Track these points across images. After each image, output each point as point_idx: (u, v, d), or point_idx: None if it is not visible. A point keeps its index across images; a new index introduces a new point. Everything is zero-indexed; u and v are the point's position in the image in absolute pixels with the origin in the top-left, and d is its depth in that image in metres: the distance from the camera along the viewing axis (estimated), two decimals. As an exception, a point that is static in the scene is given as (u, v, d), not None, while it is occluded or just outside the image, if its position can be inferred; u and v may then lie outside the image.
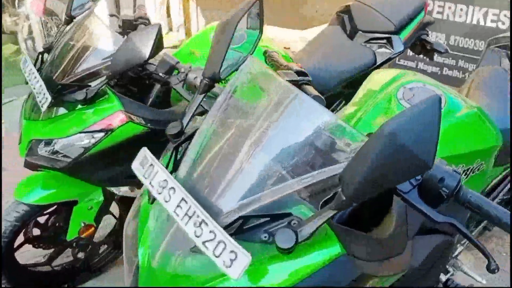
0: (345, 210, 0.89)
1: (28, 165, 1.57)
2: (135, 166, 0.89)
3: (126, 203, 1.81)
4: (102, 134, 1.47)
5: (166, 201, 0.81)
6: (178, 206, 0.79)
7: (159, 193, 0.82)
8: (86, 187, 1.69)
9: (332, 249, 0.78)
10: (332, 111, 1.77)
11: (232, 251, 0.72)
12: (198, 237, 0.75)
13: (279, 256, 0.77)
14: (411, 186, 0.79)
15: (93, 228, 1.80)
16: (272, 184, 0.79)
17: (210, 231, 0.74)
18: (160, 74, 1.44)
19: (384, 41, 2.11)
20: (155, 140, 1.46)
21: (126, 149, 1.51)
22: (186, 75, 1.40)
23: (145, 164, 0.87)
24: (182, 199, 0.78)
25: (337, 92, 2.02)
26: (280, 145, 0.83)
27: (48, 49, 1.60)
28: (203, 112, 1.05)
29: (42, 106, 1.41)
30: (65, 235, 1.80)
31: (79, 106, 1.50)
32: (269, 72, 0.96)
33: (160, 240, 0.85)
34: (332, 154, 0.82)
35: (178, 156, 0.95)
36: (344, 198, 0.69)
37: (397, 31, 2.11)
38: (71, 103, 1.50)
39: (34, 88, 1.45)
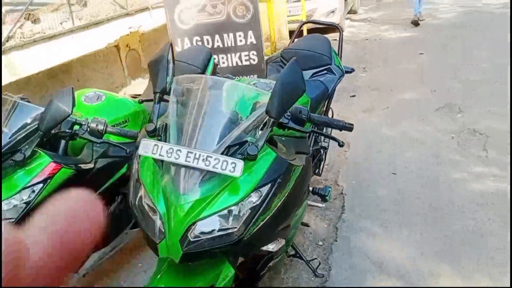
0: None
1: None
2: (141, 152, 1.37)
3: None
4: (41, 185, 1.75)
5: (176, 159, 1.34)
6: (187, 157, 1.33)
7: (169, 157, 1.34)
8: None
9: (271, 155, 1.46)
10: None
11: (232, 163, 1.31)
12: (208, 166, 1.31)
13: (249, 166, 1.39)
14: (288, 119, 1.54)
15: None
16: (230, 130, 1.42)
17: (215, 159, 1.32)
18: (67, 130, 1.87)
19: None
20: (82, 180, 1.86)
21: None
22: (89, 125, 1.87)
23: (148, 147, 1.37)
24: (188, 152, 1.34)
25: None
26: (227, 107, 1.47)
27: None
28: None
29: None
30: None
31: (9, 173, 1.75)
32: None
33: (177, 186, 1.36)
34: (257, 104, 1.51)
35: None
36: (272, 119, 1.38)
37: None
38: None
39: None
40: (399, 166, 3.23)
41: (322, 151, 2.62)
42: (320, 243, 2.56)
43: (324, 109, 2.57)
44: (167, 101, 1.56)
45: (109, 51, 6.04)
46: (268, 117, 1.39)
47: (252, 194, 1.39)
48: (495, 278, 2.14)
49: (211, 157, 1.32)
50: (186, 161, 1.33)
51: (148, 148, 1.38)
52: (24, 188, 1.73)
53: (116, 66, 6.19)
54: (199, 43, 4.28)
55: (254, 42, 4.20)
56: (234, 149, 1.39)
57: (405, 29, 7.36)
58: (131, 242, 2.53)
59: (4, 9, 4.46)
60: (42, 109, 1.88)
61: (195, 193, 1.37)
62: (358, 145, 3.60)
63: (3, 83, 3.99)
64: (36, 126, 1.78)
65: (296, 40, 2.96)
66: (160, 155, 1.36)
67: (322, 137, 2.53)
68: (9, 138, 1.77)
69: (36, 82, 4.75)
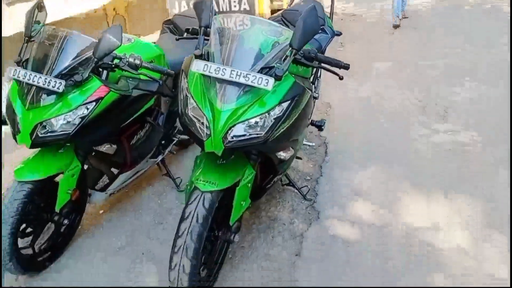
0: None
1: (36, 145, 2.05)
2: (193, 69, 1.77)
3: (100, 158, 2.39)
4: (94, 103, 2.11)
5: (222, 75, 1.75)
6: (231, 74, 1.74)
7: (217, 74, 1.75)
8: (67, 159, 2.23)
9: (291, 79, 1.89)
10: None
11: (265, 79, 1.74)
12: (247, 81, 1.73)
13: (275, 85, 1.81)
14: (301, 56, 1.97)
15: (78, 191, 2.31)
16: (261, 57, 1.84)
17: (252, 75, 1.74)
18: (109, 62, 2.22)
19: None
20: (122, 105, 2.24)
21: (108, 113, 2.19)
22: (127, 59, 2.23)
23: (200, 65, 1.77)
24: (231, 70, 1.75)
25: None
26: (258, 39, 1.89)
27: (25, 61, 2.12)
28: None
29: (58, 89, 1.98)
30: (46, 213, 2.26)
31: (65, 93, 2.09)
32: None
33: (221, 97, 1.78)
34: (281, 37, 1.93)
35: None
36: (294, 50, 1.81)
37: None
38: (56, 93, 2.08)
39: (38, 83, 1.99)
40: (375, 121, 3.75)
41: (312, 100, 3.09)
42: (308, 177, 3.05)
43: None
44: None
45: (97, 15, 6.20)
46: (290, 48, 1.82)
47: (276, 107, 1.83)
48: (439, 185, 2.68)
49: (249, 74, 1.74)
50: (230, 76, 1.75)
51: (199, 66, 1.78)
52: (80, 106, 2.08)
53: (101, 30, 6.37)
54: (185, 7, 4.59)
55: (247, 8, 4.58)
56: (265, 71, 1.82)
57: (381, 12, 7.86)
58: (148, 170, 2.92)
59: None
60: (92, 39, 2.23)
61: (234, 103, 1.79)
62: (339, 105, 4.09)
63: (8, 34, 4.19)
64: (91, 54, 2.12)
65: (294, 3, 3.38)
66: (209, 72, 1.77)
67: (313, 88, 2.99)
68: (69, 62, 2.11)
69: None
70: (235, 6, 4.52)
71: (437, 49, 5.44)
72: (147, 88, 2.45)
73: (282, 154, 2.09)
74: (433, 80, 4.51)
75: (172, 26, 3.29)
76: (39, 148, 2.21)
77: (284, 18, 3.08)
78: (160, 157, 2.90)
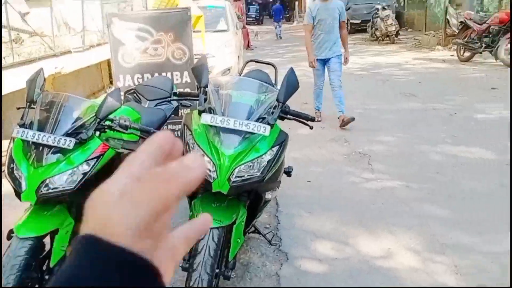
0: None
1: (42, 201, 2.13)
2: (203, 121, 2.10)
3: None
4: (95, 160, 2.29)
5: (228, 125, 2.10)
6: (234, 124, 2.10)
7: (222, 124, 2.09)
8: (62, 216, 2.31)
9: (278, 128, 2.30)
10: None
11: (263, 126, 2.12)
12: (249, 128, 2.10)
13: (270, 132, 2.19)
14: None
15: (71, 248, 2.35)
16: (255, 110, 2.23)
17: (252, 124, 2.11)
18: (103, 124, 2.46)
19: (165, 102, 3.49)
20: (117, 161, 2.45)
21: (105, 171, 2.36)
22: (119, 121, 2.49)
23: (207, 118, 2.10)
24: (235, 120, 2.11)
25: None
26: (251, 95, 2.28)
27: (28, 124, 2.25)
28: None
29: (68, 146, 2.13)
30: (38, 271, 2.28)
31: (67, 152, 2.25)
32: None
33: (225, 143, 2.11)
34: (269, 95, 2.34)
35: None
36: (281, 102, 2.24)
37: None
38: (60, 152, 2.23)
39: (47, 142, 2.14)
40: (312, 177, 4.25)
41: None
42: (267, 226, 3.37)
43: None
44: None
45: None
46: (277, 102, 2.25)
47: (268, 151, 2.20)
48: (380, 222, 3.17)
49: (250, 123, 2.12)
50: (234, 125, 2.10)
51: (207, 118, 2.13)
52: (83, 163, 2.24)
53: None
54: (140, 80, 4.92)
55: (189, 81, 5.01)
56: (260, 121, 2.20)
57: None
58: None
59: None
60: (87, 100, 2.44)
61: (236, 149, 2.13)
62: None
63: None
64: (93, 115, 2.34)
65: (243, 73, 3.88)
66: (216, 122, 2.11)
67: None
68: (71, 122, 2.29)
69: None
70: (177, 79, 4.91)
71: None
72: (131, 147, 2.67)
73: (269, 194, 2.42)
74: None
75: (135, 95, 3.57)
76: (34, 205, 2.27)
77: (137, 91, 3.55)
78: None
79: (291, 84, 2.27)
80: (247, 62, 4.00)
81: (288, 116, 2.47)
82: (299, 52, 14.02)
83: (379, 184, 4.00)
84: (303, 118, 2.51)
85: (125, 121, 2.48)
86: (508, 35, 8.46)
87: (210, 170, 2.11)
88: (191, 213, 2.26)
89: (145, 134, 2.69)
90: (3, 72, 4.53)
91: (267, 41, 19.55)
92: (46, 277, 2.31)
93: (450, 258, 2.82)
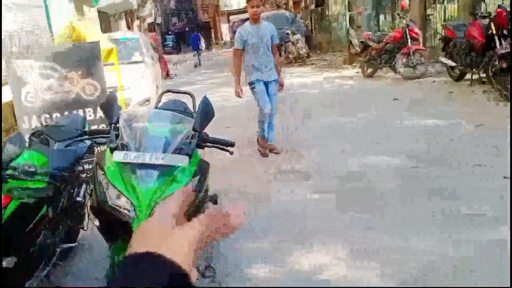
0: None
1: None
2: (115, 159, 1.98)
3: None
4: (-4, 214, 2.06)
5: (143, 160, 2.00)
6: (151, 157, 2.01)
7: (137, 159, 2.00)
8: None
9: (198, 157, 2.24)
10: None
11: (181, 157, 2.06)
12: (166, 161, 2.02)
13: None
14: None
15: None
16: (170, 142, 2.16)
17: (169, 156, 2.04)
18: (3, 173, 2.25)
19: (77, 141, 3.25)
20: (23, 211, 2.26)
21: (11, 223, 2.14)
22: (23, 168, 2.31)
23: (120, 155, 2.00)
24: (150, 155, 2.02)
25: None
26: (165, 127, 2.20)
27: None
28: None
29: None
30: None
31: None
32: None
33: (143, 180, 2.00)
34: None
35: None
36: (198, 131, 2.19)
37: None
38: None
39: None
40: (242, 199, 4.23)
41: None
42: (200, 258, 3.26)
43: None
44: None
45: None
46: (194, 131, 2.20)
47: (189, 182, 2.13)
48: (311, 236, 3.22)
49: (166, 156, 2.04)
50: (150, 160, 2.01)
51: (119, 156, 2.01)
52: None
53: None
54: (48, 120, 4.62)
55: (103, 116, 4.79)
56: (177, 152, 2.13)
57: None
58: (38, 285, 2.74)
59: None
60: None
61: (154, 183, 2.04)
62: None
63: None
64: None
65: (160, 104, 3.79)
66: (130, 159, 2.00)
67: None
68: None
69: None
70: (90, 115, 4.68)
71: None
72: (39, 195, 2.47)
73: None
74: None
75: (42, 137, 3.32)
76: None
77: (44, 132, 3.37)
78: (46, 270, 2.74)
79: (207, 112, 2.24)
80: (163, 93, 3.92)
81: (208, 144, 2.43)
82: (218, 78, 14.20)
83: (310, 197, 4.08)
84: (222, 144, 2.48)
85: (29, 167, 2.29)
86: (403, 50, 9.28)
87: (128, 210, 1.99)
88: (111, 259, 2.11)
89: (53, 179, 2.51)
90: None
91: (186, 69, 19.53)
92: None
93: (376, 262, 2.92)
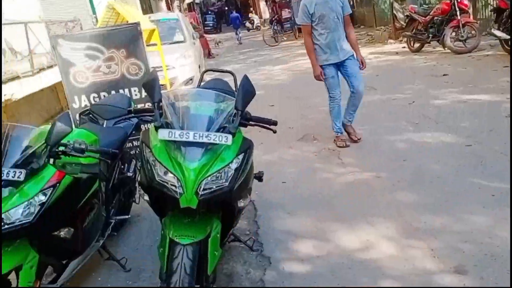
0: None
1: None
2: (161, 137, 2.00)
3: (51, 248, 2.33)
4: (51, 189, 2.15)
5: (187, 138, 2.01)
6: (194, 136, 2.02)
7: (181, 138, 2.01)
8: (24, 251, 2.16)
9: (241, 135, 2.23)
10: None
11: (225, 136, 2.05)
12: (210, 140, 2.02)
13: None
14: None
15: (39, 282, 2.21)
16: (214, 120, 2.16)
17: (213, 135, 2.04)
18: (56, 149, 2.33)
19: (124, 120, 3.31)
20: (76, 187, 2.33)
21: (64, 198, 2.23)
22: (73, 145, 2.37)
23: (165, 133, 2.01)
24: (194, 133, 2.02)
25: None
26: (209, 105, 2.20)
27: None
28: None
29: (19, 178, 1.99)
30: None
31: (19, 184, 2.11)
32: None
33: (188, 157, 2.02)
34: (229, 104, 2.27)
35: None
36: (240, 109, 2.17)
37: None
38: (11, 185, 2.09)
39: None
40: (286, 177, 4.21)
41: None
42: (247, 232, 3.29)
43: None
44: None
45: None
46: (236, 110, 2.19)
47: (234, 160, 2.13)
48: (357, 214, 3.16)
49: (210, 134, 2.05)
50: (194, 138, 2.02)
51: (165, 134, 2.03)
52: (38, 193, 2.10)
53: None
54: (97, 99, 4.75)
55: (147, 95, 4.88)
56: (220, 130, 2.13)
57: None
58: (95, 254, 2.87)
59: None
60: (38, 128, 2.31)
61: (199, 161, 2.05)
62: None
63: None
64: (41, 142, 2.20)
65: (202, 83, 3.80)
66: (175, 137, 2.02)
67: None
68: (20, 152, 2.15)
69: None
70: (136, 95, 4.77)
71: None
72: (91, 171, 2.55)
73: (242, 202, 2.35)
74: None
75: (91, 116, 3.43)
76: None
77: (92, 111, 3.48)
78: (102, 241, 2.89)
79: (247, 91, 2.22)
80: (204, 72, 3.92)
81: (250, 122, 2.41)
82: (260, 56, 14.12)
83: (351, 177, 4.00)
84: (265, 123, 2.46)
85: (80, 144, 2.37)
86: (452, 23, 8.78)
87: (175, 186, 2.02)
88: (162, 231, 2.16)
89: (104, 155, 2.58)
90: None
91: (228, 48, 19.52)
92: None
93: (425, 242, 2.83)
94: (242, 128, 2.41)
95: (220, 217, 2.29)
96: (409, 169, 3.96)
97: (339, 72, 4.60)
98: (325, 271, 2.70)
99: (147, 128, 3.18)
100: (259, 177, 2.78)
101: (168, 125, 2.14)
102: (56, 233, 2.32)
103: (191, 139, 2.02)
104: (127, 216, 3.34)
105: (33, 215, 2.08)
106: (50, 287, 2.45)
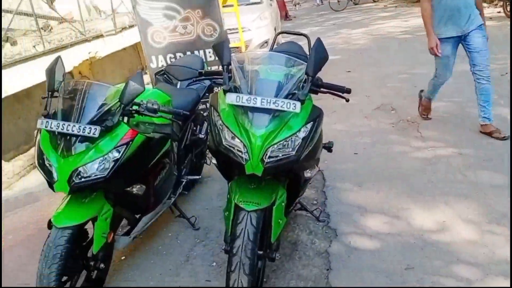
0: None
1: (75, 190, 2.10)
2: (228, 101, 1.95)
3: (125, 202, 2.44)
4: (124, 146, 2.22)
5: (254, 104, 1.94)
6: (262, 101, 1.94)
7: (249, 103, 1.94)
8: (99, 203, 2.27)
9: (311, 103, 2.12)
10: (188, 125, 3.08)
11: (293, 103, 1.95)
12: (277, 106, 1.93)
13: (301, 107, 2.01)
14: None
15: (112, 234, 2.34)
16: (283, 85, 2.06)
17: (281, 101, 1.95)
18: (130, 108, 2.36)
19: (197, 81, 3.34)
20: (148, 145, 2.37)
21: (136, 155, 2.30)
22: (146, 105, 2.38)
23: (232, 97, 1.96)
24: (261, 98, 1.95)
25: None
26: (279, 69, 2.11)
27: (52, 114, 2.20)
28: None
29: (94, 134, 2.07)
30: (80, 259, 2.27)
31: (95, 141, 2.18)
32: None
33: (255, 123, 1.96)
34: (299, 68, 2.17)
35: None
36: (310, 77, 2.05)
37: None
38: (88, 140, 2.17)
39: (73, 131, 2.08)
40: (359, 148, 4.03)
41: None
42: (315, 202, 3.22)
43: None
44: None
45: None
46: (306, 76, 2.07)
47: (302, 128, 2.04)
48: (434, 192, 2.93)
49: (278, 100, 1.96)
50: (261, 104, 1.94)
51: (232, 98, 1.98)
52: (112, 150, 2.18)
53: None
54: (173, 59, 4.82)
55: (216, 58, 4.85)
56: (289, 97, 2.03)
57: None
58: (167, 210, 2.98)
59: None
60: (109, 85, 2.38)
61: (266, 128, 1.99)
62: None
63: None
64: (116, 100, 2.26)
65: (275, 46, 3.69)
66: (242, 102, 1.96)
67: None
68: (96, 110, 2.23)
69: (6, 104, 4.91)
70: (210, 56, 4.78)
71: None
72: (163, 131, 2.59)
73: (309, 172, 2.26)
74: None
75: (165, 76, 3.48)
76: (69, 196, 2.25)
77: (167, 72, 3.46)
78: (173, 199, 2.98)
79: (319, 56, 2.07)
80: (277, 34, 3.80)
81: (322, 89, 2.27)
82: (338, 19, 13.52)
83: (430, 153, 3.73)
84: (337, 91, 2.30)
85: (153, 104, 2.39)
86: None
87: (241, 151, 1.97)
88: (228, 195, 2.16)
89: (176, 117, 2.60)
90: (33, 61, 4.55)
91: (307, 10, 18.93)
92: (91, 263, 2.32)
93: (509, 228, 2.57)
94: (313, 95, 2.29)
95: (285, 185, 2.23)
96: (498, 148, 3.60)
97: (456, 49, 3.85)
98: (395, 250, 2.57)
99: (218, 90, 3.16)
100: (329, 148, 2.66)
101: (236, 89, 2.08)
102: (128, 189, 2.41)
103: (258, 104, 1.95)
104: (198, 177, 3.41)
105: (107, 171, 2.16)
106: (124, 238, 2.58)
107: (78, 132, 2.11)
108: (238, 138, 1.98)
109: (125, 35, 6.93)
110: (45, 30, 5.14)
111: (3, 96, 4.17)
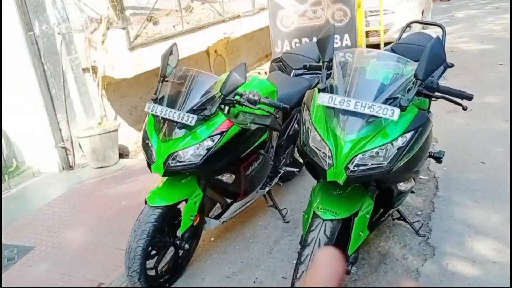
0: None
1: (167, 174, 2.27)
2: (319, 102, 1.86)
3: (217, 188, 2.56)
4: (218, 136, 2.30)
5: (347, 107, 1.81)
6: (355, 105, 1.80)
7: (341, 105, 1.82)
8: (191, 187, 2.41)
9: (415, 109, 1.91)
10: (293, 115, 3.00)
11: (391, 109, 1.77)
12: (372, 111, 1.78)
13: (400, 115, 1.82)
14: (422, 87, 1.97)
15: (199, 217, 2.48)
16: (384, 88, 1.88)
17: (377, 106, 1.78)
18: (231, 98, 2.39)
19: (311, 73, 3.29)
20: (242, 137, 2.39)
21: (230, 145, 2.36)
22: (247, 95, 2.39)
23: (325, 98, 1.86)
24: (356, 101, 1.81)
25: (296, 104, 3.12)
26: (380, 71, 1.94)
27: (160, 98, 2.39)
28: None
29: (190, 123, 2.20)
30: (169, 237, 2.44)
31: (193, 128, 2.30)
32: None
33: (345, 128, 1.84)
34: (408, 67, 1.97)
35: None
36: (419, 81, 1.82)
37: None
38: (186, 127, 2.29)
39: (173, 117, 2.23)
40: (487, 157, 3.53)
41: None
42: (419, 212, 2.94)
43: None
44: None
45: (200, 56, 6.67)
46: (415, 79, 1.84)
47: (399, 138, 1.84)
48: None
49: (374, 105, 1.79)
50: (355, 108, 1.81)
51: (324, 99, 1.88)
52: (207, 138, 2.28)
53: (204, 69, 6.89)
54: (297, 44, 4.79)
55: (349, 44, 4.67)
56: (389, 102, 1.85)
57: (481, 42, 7.51)
58: (257, 199, 3.04)
59: (127, 12, 5.16)
60: (216, 77, 2.45)
61: (357, 134, 1.84)
62: (445, 137, 3.94)
63: (130, 75, 4.69)
64: (217, 91, 2.33)
65: (402, 37, 3.39)
66: (334, 104, 1.85)
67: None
68: (198, 99, 2.34)
69: (144, 79, 5.42)
70: (336, 43, 4.63)
71: None
72: (263, 122, 2.60)
73: (403, 185, 2.07)
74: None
75: (280, 64, 3.47)
76: (166, 177, 2.42)
77: (283, 60, 3.23)
78: (267, 189, 3.00)
79: (434, 57, 1.81)
80: (408, 24, 3.46)
81: (436, 93, 2.02)
82: (505, 1, 11.79)
83: None
84: (454, 96, 2.01)
85: (254, 95, 2.41)
86: None
87: (326, 156, 1.87)
88: (310, 198, 2.10)
89: (275, 109, 2.59)
90: (170, 41, 4.91)
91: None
92: (177, 242, 2.49)
93: None
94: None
95: (374, 196, 2.07)
96: None
97: None
98: (496, 283, 2.23)
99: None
100: (438, 158, 2.38)
101: (332, 89, 1.97)
102: (219, 177, 2.50)
103: (351, 108, 1.82)
104: (296, 169, 3.37)
105: (200, 158, 2.27)
106: (214, 221, 2.71)
107: (177, 119, 2.24)
108: (325, 142, 1.89)
109: (263, 15, 7.08)
110: (186, 11, 5.52)
111: (140, 71, 4.62)
